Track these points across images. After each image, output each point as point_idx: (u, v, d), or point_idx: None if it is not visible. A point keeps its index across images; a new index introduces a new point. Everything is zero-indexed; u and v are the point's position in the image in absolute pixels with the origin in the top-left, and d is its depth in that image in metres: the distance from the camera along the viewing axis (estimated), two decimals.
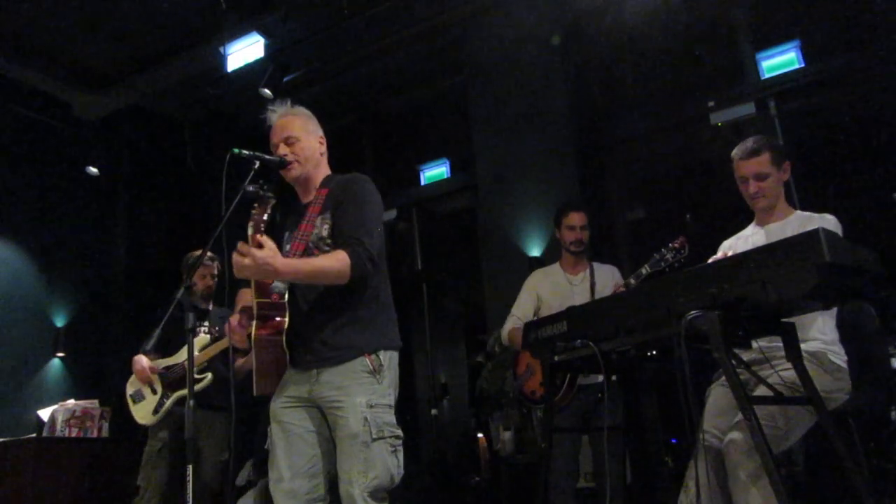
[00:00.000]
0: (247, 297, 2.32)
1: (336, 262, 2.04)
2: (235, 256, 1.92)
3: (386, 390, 2.13)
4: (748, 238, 2.57)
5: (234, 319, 2.20)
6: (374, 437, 2.03)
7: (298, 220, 2.24)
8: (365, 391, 2.08)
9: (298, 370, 2.17)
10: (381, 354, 2.15)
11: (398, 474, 2.08)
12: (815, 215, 2.45)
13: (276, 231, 2.44)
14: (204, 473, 3.56)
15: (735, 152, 2.53)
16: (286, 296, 2.15)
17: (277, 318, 2.12)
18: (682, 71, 5.18)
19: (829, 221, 2.36)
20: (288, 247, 2.22)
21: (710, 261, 2.42)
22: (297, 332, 2.13)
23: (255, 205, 2.02)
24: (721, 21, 5.07)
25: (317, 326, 2.13)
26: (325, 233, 2.18)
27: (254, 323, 2.09)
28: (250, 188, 2.00)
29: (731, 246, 2.63)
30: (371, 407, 2.07)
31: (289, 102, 2.37)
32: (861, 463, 2.37)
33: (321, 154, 2.35)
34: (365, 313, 2.16)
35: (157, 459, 3.50)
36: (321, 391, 2.11)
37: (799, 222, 2.42)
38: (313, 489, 2.11)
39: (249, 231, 1.98)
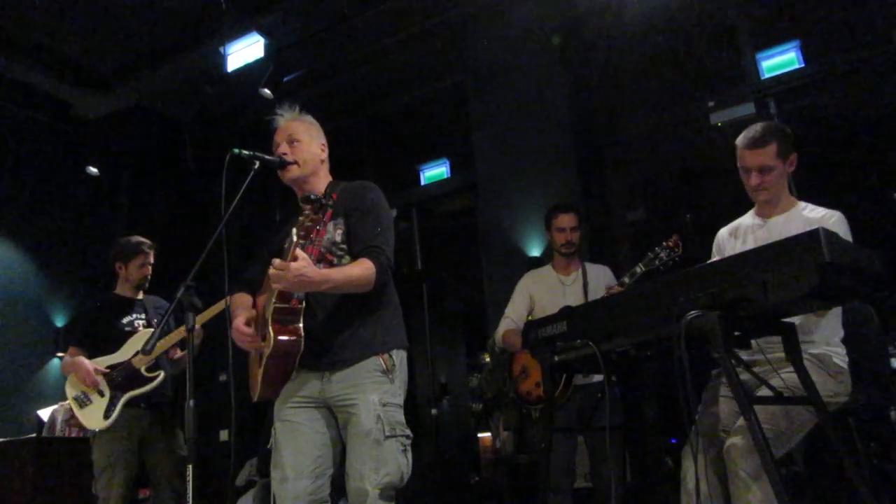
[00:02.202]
0: (243, 301, 2.33)
1: (364, 270, 2.08)
2: (273, 271, 1.92)
3: (397, 390, 2.17)
4: (749, 228, 2.50)
5: (241, 322, 2.18)
6: (387, 434, 2.06)
7: None
8: (378, 389, 2.11)
9: (309, 372, 2.17)
10: (394, 354, 2.19)
11: (407, 474, 2.11)
12: (820, 209, 2.37)
13: (274, 234, 2.44)
14: (166, 472, 3.37)
15: (740, 140, 2.36)
16: (303, 301, 2.15)
17: (296, 324, 2.12)
18: (682, 71, 5.18)
19: (834, 216, 2.30)
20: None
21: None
22: (312, 336, 2.13)
23: (308, 210, 1.94)
24: (721, 21, 5.07)
25: (333, 330, 2.15)
26: (338, 238, 2.20)
27: (270, 328, 2.08)
28: (312, 196, 1.94)
29: (731, 234, 2.57)
30: (384, 405, 2.09)
31: (297, 108, 2.40)
32: (861, 463, 2.37)
33: (321, 161, 2.37)
34: (378, 315, 2.20)
35: (112, 472, 3.24)
36: (333, 391, 2.13)
37: (803, 217, 2.35)
38: (317, 490, 2.11)
39: (294, 238, 1.94)
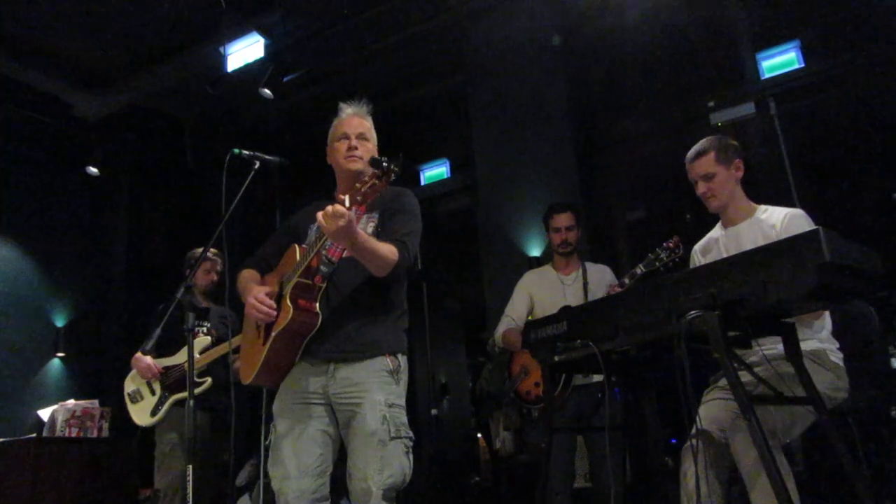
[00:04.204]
0: (253, 276, 2.33)
1: (390, 252, 2.10)
2: (331, 208, 1.87)
3: (402, 392, 2.18)
4: (718, 241, 2.55)
5: (261, 292, 2.15)
6: (392, 435, 2.06)
7: None
8: (384, 390, 2.11)
9: (313, 362, 2.16)
10: (400, 357, 2.20)
11: (409, 475, 2.11)
12: (780, 209, 2.43)
13: (301, 223, 2.42)
14: (205, 475, 3.54)
15: (686, 156, 2.54)
16: (326, 282, 2.15)
17: (314, 302, 2.12)
18: (682, 71, 5.18)
19: (796, 215, 2.35)
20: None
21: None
22: (324, 323, 2.13)
23: (369, 175, 1.85)
24: (721, 21, 5.07)
25: (345, 320, 2.15)
26: (370, 230, 2.21)
27: (288, 302, 2.07)
28: (383, 159, 1.83)
29: (704, 252, 2.61)
30: (390, 406, 2.10)
31: (364, 102, 2.46)
32: (861, 463, 2.37)
33: None
34: (391, 316, 2.22)
35: (170, 461, 3.45)
36: (337, 387, 2.12)
37: (766, 220, 2.41)
38: (319, 489, 2.10)
39: (347, 202, 1.85)
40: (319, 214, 1.91)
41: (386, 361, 2.14)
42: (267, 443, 2.20)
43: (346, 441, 2.12)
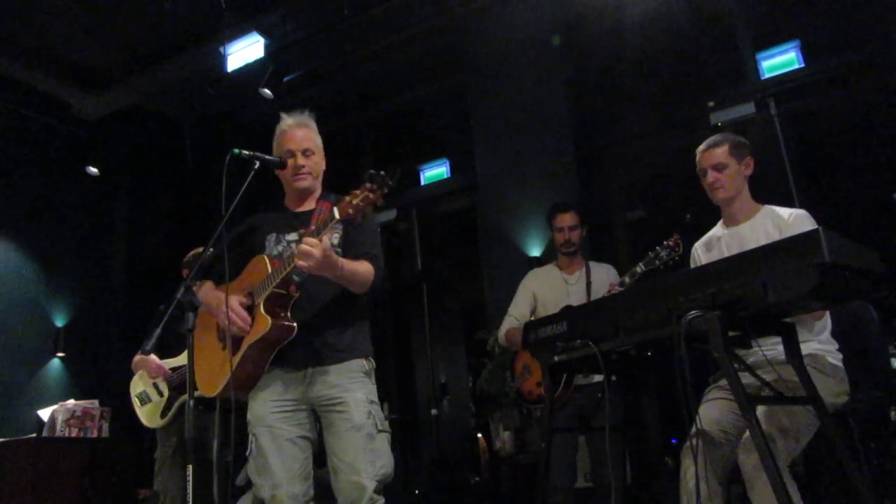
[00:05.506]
0: (213, 288, 2.32)
1: (367, 270, 2.20)
2: (304, 247, 1.97)
3: (375, 391, 2.28)
4: (720, 240, 2.54)
5: (235, 301, 2.17)
6: (379, 429, 2.17)
7: (296, 225, 2.30)
8: (364, 388, 2.21)
9: (289, 369, 2.20)
10: (370, 359, 2.31)
11: (393, 468, 2.25)
12: (784, 209, 2.42)
13: (256, 233, 2.41)
14: (209, 474, 3.53)
15: (698, 148, 2.54)
16: (298, 291, 2.20)
17: (287, 312, 2.17)
18: (682, 71, 5.18)
19: (800, 215, 2.34)
20: (280, 248, 2.29)
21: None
22: (300, 329, 2.17)
23: (367, 187, 1.92)
24: (721, 21, 5.07)
25: (321, 327, 2.20)
26: (335, 241, 2.26)
27: (263, 312, 2.12)
28: (381, 173, 1.92)
29: (706, 248, 2.60)
30: (371, 402, 2.20)
31: (306, 112, 2.42)
32: (861, 463, 2.37)
33: (322, 169, 2.44)
34: (361, 320, 2.32)
35: (171, 463, 3.43)
36: (316, 391, 2.18)
37: (769, 220, 2.40)
38: (308, 490, 2.17)
39: (336, 215, 1.94)
40: (301, 246, 1.98)
41: (362, 363, 2.24)
42: (248, 452, 2.21)
43: (331, 441, 2.16)
